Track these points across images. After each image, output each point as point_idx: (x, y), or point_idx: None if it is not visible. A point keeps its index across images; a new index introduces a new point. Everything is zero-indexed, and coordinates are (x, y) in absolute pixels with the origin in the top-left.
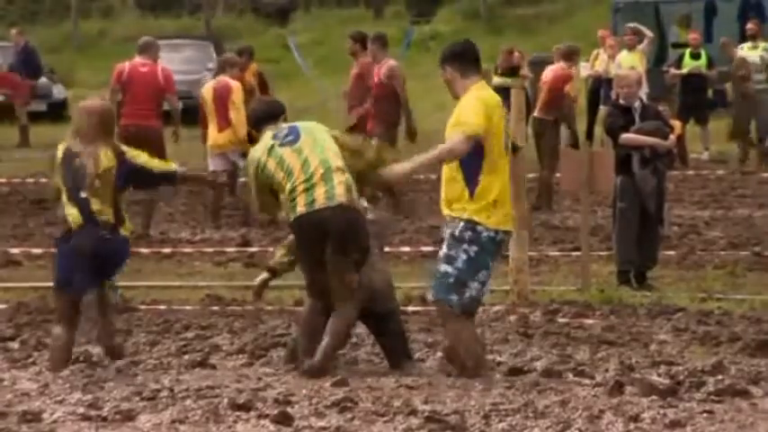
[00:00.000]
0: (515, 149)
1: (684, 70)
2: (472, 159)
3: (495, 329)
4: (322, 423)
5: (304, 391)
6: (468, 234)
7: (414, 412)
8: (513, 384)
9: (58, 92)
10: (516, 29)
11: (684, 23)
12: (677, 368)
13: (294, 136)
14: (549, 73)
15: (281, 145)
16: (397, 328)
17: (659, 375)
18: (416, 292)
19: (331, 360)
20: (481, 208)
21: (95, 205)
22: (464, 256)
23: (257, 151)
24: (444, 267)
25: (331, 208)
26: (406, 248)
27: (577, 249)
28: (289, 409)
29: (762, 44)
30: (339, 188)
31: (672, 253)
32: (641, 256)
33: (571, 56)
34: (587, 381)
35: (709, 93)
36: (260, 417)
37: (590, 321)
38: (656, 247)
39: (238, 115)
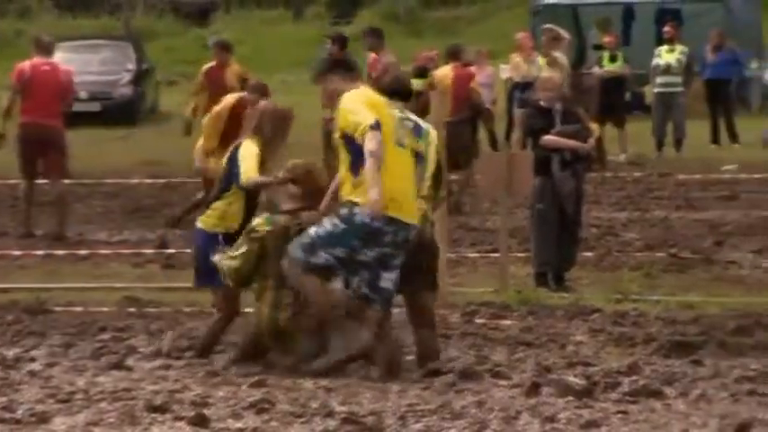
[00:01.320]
0: None
1: (601, 71)
2: (356, 150)
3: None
4: (239, 425)
5: (221, 393)
6: (343, 211)
7: (331, 414)
8: (430, 385)
9: None
10: (435, 31)
11: (603, 26)
12: (593, 369)
13: (418, 133)
14: (447, 74)
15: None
16: None
17: (575, 376)
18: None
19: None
20: (360, 191)
21: None
22: (329, 227)
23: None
24: (311, 230)
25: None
26: None
27: (496, 251)
28: (205, 411)
29: (679, 47)
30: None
31: (589, 254)
32: (559, 258)
33: (457, 54)
34: (504, 382)
35: (627, 95)
36: (176, 419)
37: (507, 322)
38: (574, 248)
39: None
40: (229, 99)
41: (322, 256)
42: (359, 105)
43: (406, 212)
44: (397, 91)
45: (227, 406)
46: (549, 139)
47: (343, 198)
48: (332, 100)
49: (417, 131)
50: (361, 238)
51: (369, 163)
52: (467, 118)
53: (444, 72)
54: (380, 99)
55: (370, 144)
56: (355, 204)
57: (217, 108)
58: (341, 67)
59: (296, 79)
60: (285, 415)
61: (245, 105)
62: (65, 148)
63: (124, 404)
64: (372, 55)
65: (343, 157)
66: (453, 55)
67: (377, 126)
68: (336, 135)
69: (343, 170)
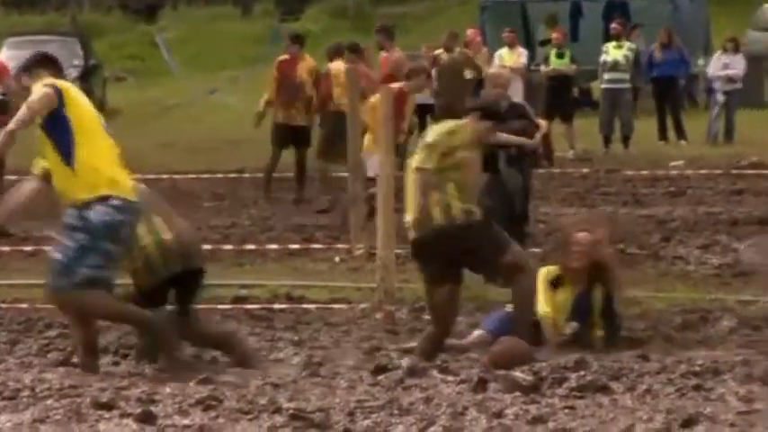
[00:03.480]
0: None
1: (548, 68)
2: (62, 135)
3: (361, 327)
4: (186, 421)
5: (168, 390)
6: (77, 222)
7: (278, 410)
8: (378, 382)
9: None
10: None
11: (551, 22)
12: (540, 364)
13: None
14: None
15: None
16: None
17: (522, 372)
18: (283, 289)
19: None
20: (86, 182)
21: None
22: (73, 244)
23: None
24: (56, 255)
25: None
26: (274, 246)
27: None
28: (152, 408)
29: (626, 44)
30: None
31: (537, 250)
32: None
33: (342, 52)
34: (451, 378)
35: (575, 91)
36: (123, 415)
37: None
38: (522, 244)
39: None
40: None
41: (80, 273)
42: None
43: (128, 191)
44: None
45: (174, 403)
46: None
47: (66, 198)
48: (22, 95)
49: None
50: (107, 237)
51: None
52: None
53: (340, 66)
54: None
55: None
56: (87, 206)
57: (372, 101)
58: (51, 64)
59: (245, 76)
60: (232, 411)
61: (404, 96)
62: None
63: (71, 401)
64: (383, 54)
65: (49, 149)
66: (341, 52)
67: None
68: (39, 127)
69: (52, 162)
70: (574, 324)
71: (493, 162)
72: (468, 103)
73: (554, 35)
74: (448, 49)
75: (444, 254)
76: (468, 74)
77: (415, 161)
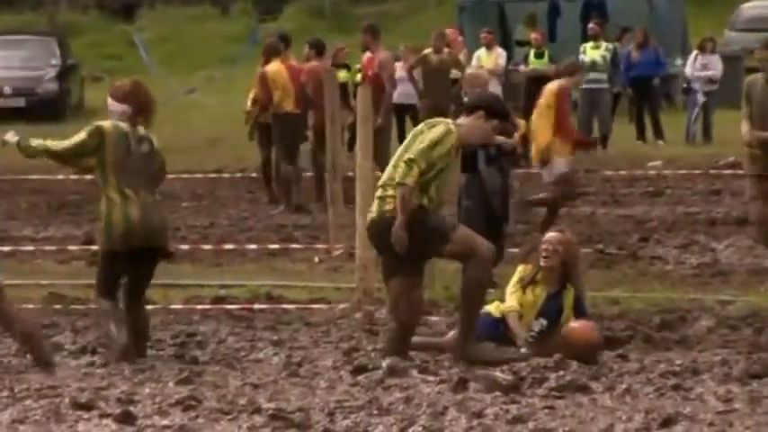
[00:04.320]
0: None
1: (528, 68)
2: None
3: (340, 327)
4: (165, 422)
5: (147, 390)
6: None
7: (258, 410)
8: (358, 381)
9: None
10: (361, 27)
11: (530, 23)
12: (520, 364)
13: None
14: (281, 69)
15: None
16: None
17: (502, 372)
18: (263, 289)
19: None
20: None
21: None
22: None
23: None
24: None
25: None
26: (253, 246)
27: None
28: (132, 408)
29: (603, 44)
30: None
31: (515, 250)
32: None
33: (279, 51)
34: (431, 377)
35: None
36: (102, 416)
37: (435, 318)
38: (501, 244)
39: None
40: (551, 87)
41: None
42: None
43: None
44: None
45: (154, 403)
46: None
47: None
48: None
49: None
50: None
51: None
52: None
53: (276, 68)
54: None
55: None
56: None
57: (541, 101)
58: None
59: (222, 75)
60: (212, 412)
61: (567, 93)
62: None
63: (50, 401)
64: (368, 54)
65: None
66: (276, 52)
67: None
68: None
69: None
70: (542, 321)
71: (472, 161)
72: (471, 100)
73: (533, 36)
74: (437, 50)
75: (386, 245)
76: (455, 74)
77: (397, 175)
